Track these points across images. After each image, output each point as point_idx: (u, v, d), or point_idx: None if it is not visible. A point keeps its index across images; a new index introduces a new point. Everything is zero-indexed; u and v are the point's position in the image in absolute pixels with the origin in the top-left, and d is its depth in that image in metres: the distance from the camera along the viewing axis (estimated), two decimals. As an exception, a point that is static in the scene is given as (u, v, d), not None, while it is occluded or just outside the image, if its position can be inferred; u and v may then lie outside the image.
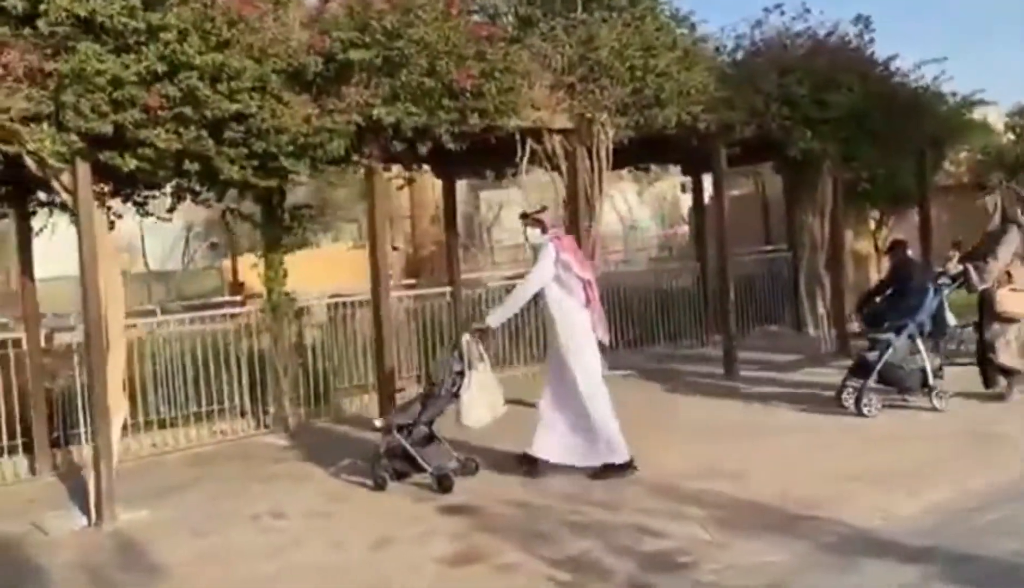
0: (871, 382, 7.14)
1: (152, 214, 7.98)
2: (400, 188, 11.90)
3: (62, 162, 5.45)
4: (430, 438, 6.00)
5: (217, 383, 8.51)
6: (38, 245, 7.64)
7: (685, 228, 28.30)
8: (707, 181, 11.56)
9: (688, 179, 13.52)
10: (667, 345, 11.34)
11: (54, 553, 5.27)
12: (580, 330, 5.80)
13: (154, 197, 7.83)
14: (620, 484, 5.73)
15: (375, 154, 6.89)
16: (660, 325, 11.37)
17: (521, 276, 12.76)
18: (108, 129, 5.36)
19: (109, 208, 7.88)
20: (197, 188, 7.61)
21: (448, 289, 9.77)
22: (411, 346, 9.56)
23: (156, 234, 31.87)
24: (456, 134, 6.93)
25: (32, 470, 7.21)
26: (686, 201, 38.23)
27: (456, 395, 5.77)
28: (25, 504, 6.37)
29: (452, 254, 10.03)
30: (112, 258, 5.87)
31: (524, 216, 6.12)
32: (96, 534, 5.61)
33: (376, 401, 7.82)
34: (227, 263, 30.30)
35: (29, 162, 5.42)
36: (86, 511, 5.81)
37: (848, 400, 7.21)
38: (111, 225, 7.78)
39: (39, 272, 7.77)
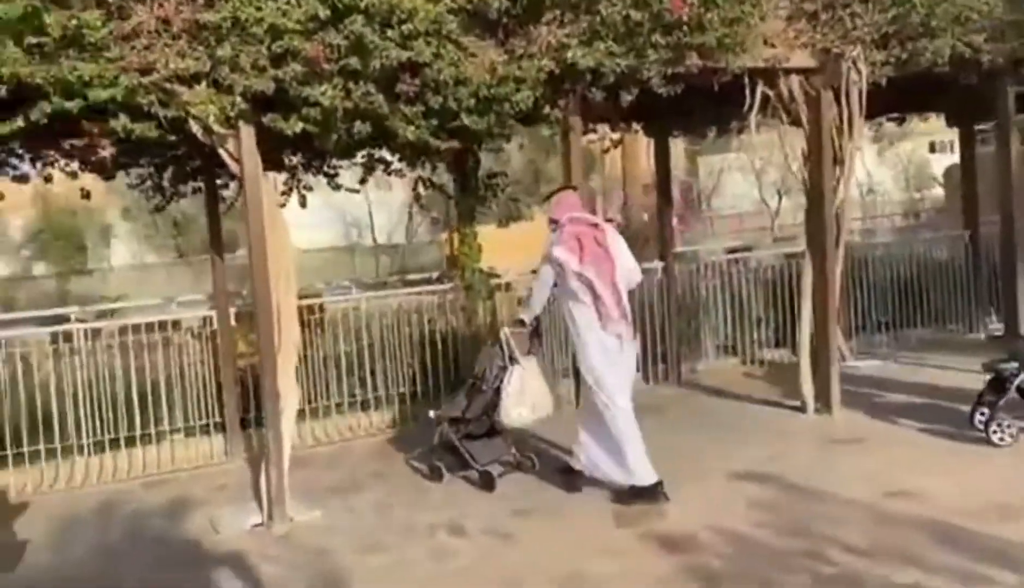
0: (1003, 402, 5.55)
1: (341, 186, 7.50)
2: (605, 152, 10.81)
3: (226, 127, 4.93)
4: (491, 431, 5.81)
5: (415, 364, 8.04)
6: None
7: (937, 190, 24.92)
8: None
9: (942, 138, 11.36)
10: (928, 329, 9.49)
11: (220, 559, 4.82)
12: (586, 338, 5.11)
13: (340, 168, 7.37)
14: (855, 519, 4.47)
15: (571, 107, 5.86)
16: (919, 306, 9.52)
17: (740, 249, 11.84)
18: (269, 86, 4.74)
19: (299, 181, 7.59)
20: (385, 157, 7.07)
21: (660, 264, 8.58)
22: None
23: (382, 208, 33.25)
24: (668, 78, 5.73)
25: (225, 452, 7.01)
26: (936, 162, 33.83)
27: (498, 391, 5.52)
28: (214, 491, 6.11)
29: (665, 224, 8.80)
30: (283, 232, 5.31)
31: (547, 197, 5.60)
32: (265, 538, 5.11)
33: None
34: (445, 236, 30.91)
35: (194, 128, 4.94)
36: (260, 507, 5.37)
37: (984, 425, 5.58)
38: (302, 201, 7.45)
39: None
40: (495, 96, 5.36)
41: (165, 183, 7.22)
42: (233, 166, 5.10)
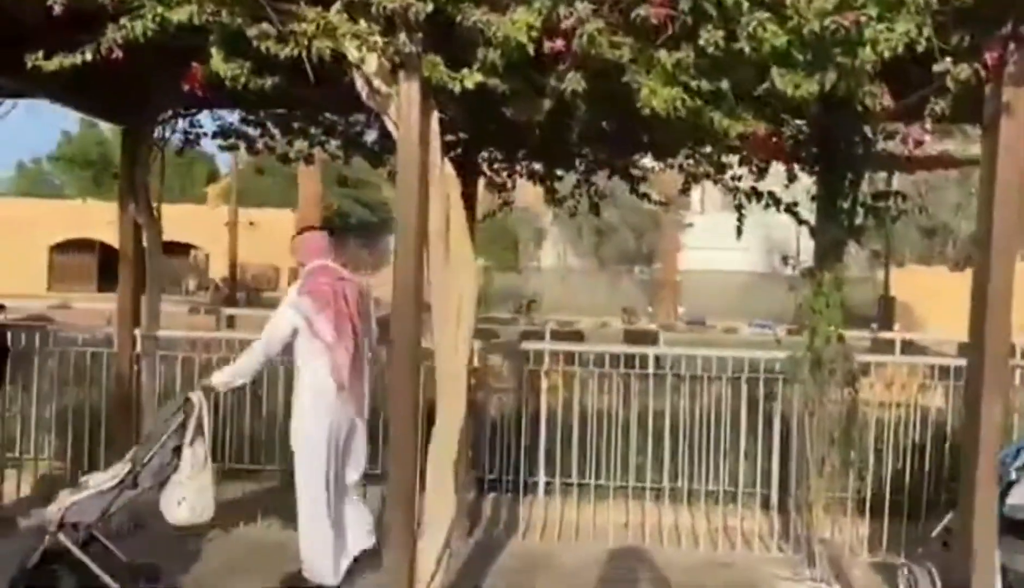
0: None
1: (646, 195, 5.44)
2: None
3: (387, 81, 3.27)
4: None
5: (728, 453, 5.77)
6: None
7: None
8: None
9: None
10: None
11: None
12: (303, 408, 4.29)
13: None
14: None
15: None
16: None
17: None
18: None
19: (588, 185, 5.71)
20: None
21: None
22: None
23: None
24: None
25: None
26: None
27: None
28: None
29: None
30: (462, 240, 3.47)
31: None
32: None
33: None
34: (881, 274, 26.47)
35: (358, 82, 3.35)
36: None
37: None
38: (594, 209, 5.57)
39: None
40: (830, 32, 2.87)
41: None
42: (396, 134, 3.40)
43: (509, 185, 5.91)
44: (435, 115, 3.35)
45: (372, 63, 3.22)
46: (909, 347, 10.89)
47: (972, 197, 27.52)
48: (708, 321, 23.05)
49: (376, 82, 3.29)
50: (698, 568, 5.09)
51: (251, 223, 32.09)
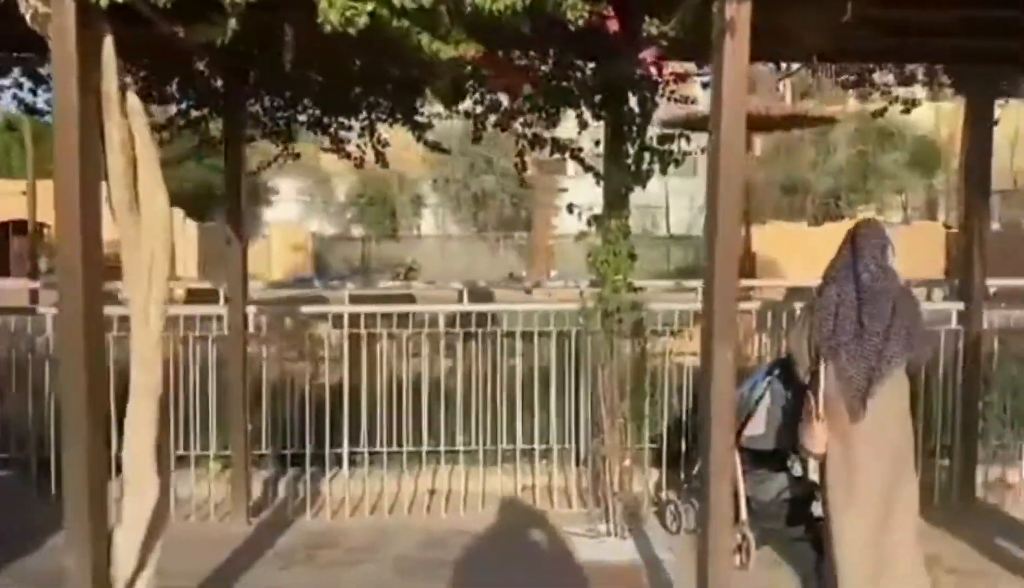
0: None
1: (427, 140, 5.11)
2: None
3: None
4: None
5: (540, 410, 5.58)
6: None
7: None
8: None
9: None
10: None
11: None
12: None
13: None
14: None
15: None
16: None
17: None
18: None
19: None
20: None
21: (957, 307, 5.07)
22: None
23: (683, 196, 30.19)
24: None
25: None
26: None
27: None
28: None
29: (969, 243, 5.16)
30: (152, 186, 3.03)
31: None
32: None
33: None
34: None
35: (21, 5, 2.85)
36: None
37: None
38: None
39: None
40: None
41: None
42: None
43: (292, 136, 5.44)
44: (109, 39, 2.90)
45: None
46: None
47: (829, 155, 28.63)
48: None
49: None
50: (495, 531, 4.90)
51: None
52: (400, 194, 35.80)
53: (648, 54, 3.12)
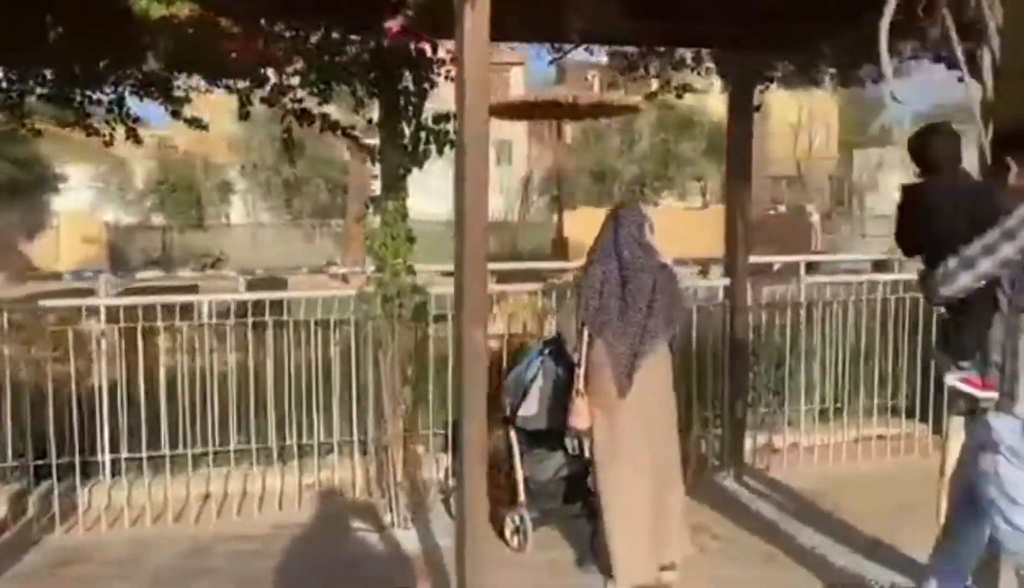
0: None
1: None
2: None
3: None
4: None
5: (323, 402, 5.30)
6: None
7: None
8: None
9: None
10: None
11: None
12: None
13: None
14: None
15: None
16: None
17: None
18: None
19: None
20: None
21: (723, 282, 5.33)
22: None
23: (501, 183, 30.47)
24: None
25: None
26: None
27: None
28: None
29: (732, 223, 5.43)
30: None
31: None
32: None
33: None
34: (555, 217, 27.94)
35: None
36: None
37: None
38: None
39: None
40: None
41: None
42: None
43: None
44: None
45: None
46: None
47: (634, 143, 29.90)
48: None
49: None
50: (267, 534, 4.60)
51: None
52: (206, 180, 33.93)
53: (394, 24, 2.97)
